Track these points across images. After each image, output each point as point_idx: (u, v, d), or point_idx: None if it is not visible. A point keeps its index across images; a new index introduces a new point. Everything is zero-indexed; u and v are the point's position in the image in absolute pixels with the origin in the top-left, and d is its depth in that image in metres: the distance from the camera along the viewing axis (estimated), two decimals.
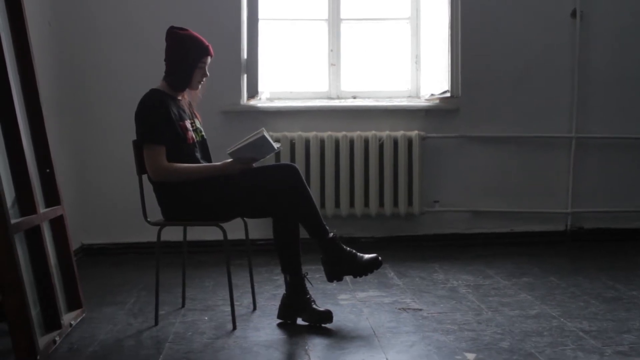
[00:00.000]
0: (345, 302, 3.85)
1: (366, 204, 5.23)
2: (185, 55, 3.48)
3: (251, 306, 3.77)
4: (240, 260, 4.54)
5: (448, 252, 5.09)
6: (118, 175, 5.02)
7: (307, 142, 5.15)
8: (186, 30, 3.53)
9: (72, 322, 3.42)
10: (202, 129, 3.65)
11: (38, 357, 2.90)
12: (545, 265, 4.59)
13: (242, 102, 5.19)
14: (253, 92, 5.21)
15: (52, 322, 3.24)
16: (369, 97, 5.46)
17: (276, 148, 3.45)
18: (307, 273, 3.49)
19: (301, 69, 5.48)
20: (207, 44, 3.52)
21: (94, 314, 3.66)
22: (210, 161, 3.62)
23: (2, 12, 3.37)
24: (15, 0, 3.45)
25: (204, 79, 3.57)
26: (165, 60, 3.53)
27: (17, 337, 2.88)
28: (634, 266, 4.58)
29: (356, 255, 3.42)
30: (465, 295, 3.94)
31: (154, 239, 3.49)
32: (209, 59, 3.54)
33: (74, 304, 3.58)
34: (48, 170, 3.55)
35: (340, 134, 5.17)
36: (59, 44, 4.90)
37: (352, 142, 5.18)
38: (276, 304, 3.59)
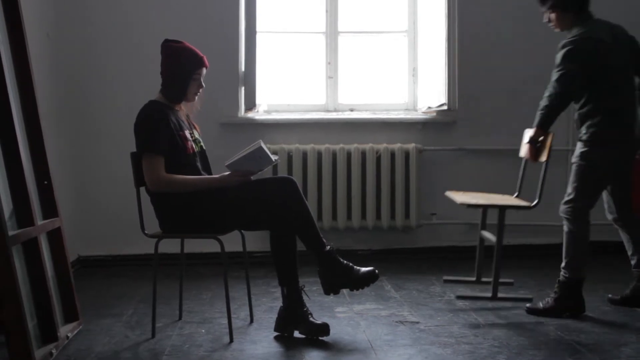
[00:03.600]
0: (342, 314, 3.85)
1: (363, 216, 5.24)
2: (180, 67, 3.49)
3: (248, 319, 3.77)
4: (237, 273, 4.54)
5: (445, 264, 5.09)
6: (116, 187, 5.02)
7: (304, 155, 5.16)
8: (180, 42, 3.54)
9: (68, 334, 3.41)
10: (201, 140, 3.66)
11: None
12: (541, 278, 4.59)
13: (239, 115, 5.20)
14: (251, 104, 5.22)
15: (48, 334, 3.23)
16: (366, 110, 5.47)
17: (274, 160, 3.46)
18: (304, 286, 3.49)
19: (299, 82, 5.50)
20: (201, 55, 3.53)
21: (90, 326, 3.66)
22: (210, 172, 3.62)
23: (0, 24, 3.38)
24: (14, 11, 3.47)
25: (200, 90, 3.58)
26: (161, 73, 3.55)
27: (14, 349, 2.88)
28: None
29: (353, 268, 3.42)
30: (462, 308, 3.94)
31: (151, 250, 3.49)
32: (204, 70, 3.55)
33: (70, 316, 3.57)
34: (46, 182, 3.55)
35: (337, 147, 5.18)
36: (58, 55, 4.91)
37: (349, 154, 5.19)
38: (273, 316, 3.58)
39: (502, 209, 3.89)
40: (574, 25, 3.85)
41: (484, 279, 4.06)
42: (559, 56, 3.79)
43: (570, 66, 3.73)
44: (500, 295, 3.77)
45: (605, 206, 4.04)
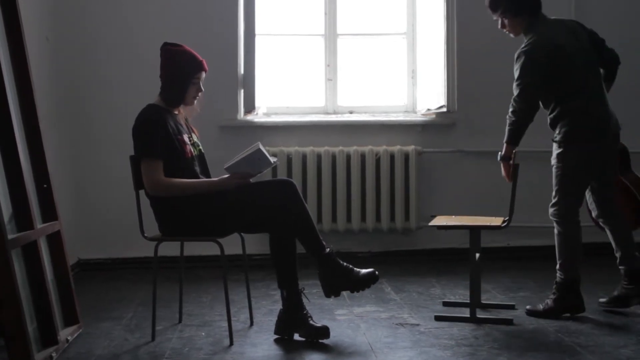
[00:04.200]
0: (342, 317, 3.85)
1: (363, 218, 5.24)
2: (179, 71, 3.49)
3: (248, 321, 3.77)
4: (237, 276, 4.53)
5: (445, 266, 5.09)
6: (115, 190, 5.01)
7: (303, 157, 5.16)
8: (180, 46, 3.54)
9: (68, 338, 3.41)
10: (199, 143, 3.65)
11: None
12: (541, 280, 4.58)
13: (239, 117, 5.20)
14: (250, 107, 5.22)
15: (48, 337, 3.23)
16: (365, 112, 5.47)
17: (273, 162, 3.46)
18: (303, 288, 3.49)
19: (298, 84, 5.50)
20: (200, 59, 3.53)
21: (90, 330, 3.66)
22: (209, 176, 3.62)
23: None
24: (13, 14, 3.47)
25: (199, 94, 3.58)
26: (160, 76, 3.55)
27: (14, 352, 2.88)
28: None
29: (352, 270, 3.42)
30: (462, 310, 3.93)
31: (151, 254, 3.48)
32: (203, 74, 3.55)
33: (70, 319, 3.57)
34: (45, 186, 3.55)
35: (337, 149, 5.18)
36: (57, 58, 4.91)
37: (348, 157, 5.19)
38: (273, 319, 3.58)
39: (474, 230, 3.85)
40: (527, 30, 3.81)
41: (483, 302, 4.01)
42: (516, 68, 3.75)
43: (528, 80, 3.71)
44: (479, 316, 3.72)
45: (587, 203, 4.02)
